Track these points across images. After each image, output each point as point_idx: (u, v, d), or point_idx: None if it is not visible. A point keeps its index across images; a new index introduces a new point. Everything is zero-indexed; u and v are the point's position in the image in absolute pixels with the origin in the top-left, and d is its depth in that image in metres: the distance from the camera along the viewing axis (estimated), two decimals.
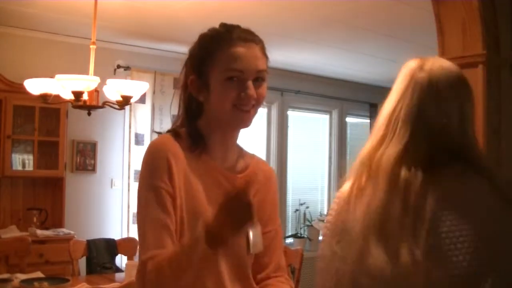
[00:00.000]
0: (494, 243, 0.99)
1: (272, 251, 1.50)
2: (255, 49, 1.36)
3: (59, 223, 4.78)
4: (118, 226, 5.36)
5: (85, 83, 3.46)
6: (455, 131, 1.12)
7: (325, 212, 7.01)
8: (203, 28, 1.43)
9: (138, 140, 5.36)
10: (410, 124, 1.14)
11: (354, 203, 1.14)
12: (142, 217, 1.32)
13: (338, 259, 1.13)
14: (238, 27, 1.39)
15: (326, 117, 7.27)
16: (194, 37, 1.44)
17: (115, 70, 5.26)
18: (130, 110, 5.24)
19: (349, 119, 7.47)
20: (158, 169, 1.32)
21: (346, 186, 1.21)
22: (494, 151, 2.42)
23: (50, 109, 4.60)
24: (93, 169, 5.24)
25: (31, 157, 4.73)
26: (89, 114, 3.78)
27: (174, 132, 1.41)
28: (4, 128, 4.53)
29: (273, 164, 6.37)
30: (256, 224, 1.43)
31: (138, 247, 1.37)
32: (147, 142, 5.33)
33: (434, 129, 1.12)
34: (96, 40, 3.84)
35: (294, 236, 6.59)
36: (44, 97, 3.64)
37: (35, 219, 4.70)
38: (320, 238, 6.87)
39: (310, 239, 6.63)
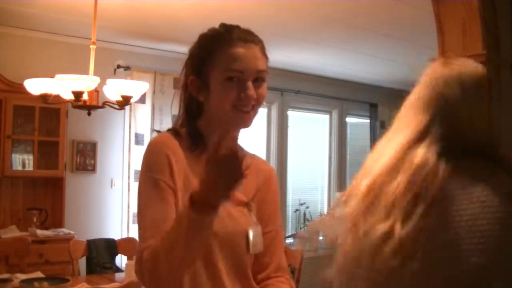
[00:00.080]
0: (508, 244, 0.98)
1: (273, 251, 1.50)
2: (255, 50, 1.36)
3: (59, 223, 4.78)
4: (118, 226, 5.36)
5: (85, 83, 3.46)
6: (479, 127, 1.11)
7: (325, 212, 7.01)
8: (203, 28, 1.43)
9: (138, 140, 5.36)
10: (432, 109, 1.12)
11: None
12: (142, 209, 1.32)
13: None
14: (238, 27, 1.39)
15: (326, 117, 7.27)
16: (194, 37, 1.44)
17: (115, 70, 5.26)
18: (130, 110, 5.24)
19: (349, 119, 7.47)
20: (158, 165, 1.33)
21: None
22: None
23: (50, 109, 4.60)
24: (93, 169, 5.24)
25: (31, 157, 4.73)
26: (89, 114, 3.78)
27: (174, 131, 1.41)
28: (4, 128, 4.53)
29: (273, 164, 6.37)
30: (256, 224, 1.43)
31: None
32: (147, 142, 5.33)
33: (457, 121, 1.10)
34: (96, 40, 3.84)
35: (294, 236, 6.59)
36: (44, 97, 3.64)
37: (35, 219, 4.70)
38: (320, 238, 6.89)
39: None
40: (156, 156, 1.34)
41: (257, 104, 1.37)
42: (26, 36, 4.87)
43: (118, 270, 4.11)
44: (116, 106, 3.76)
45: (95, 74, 3.67)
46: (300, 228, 6.66)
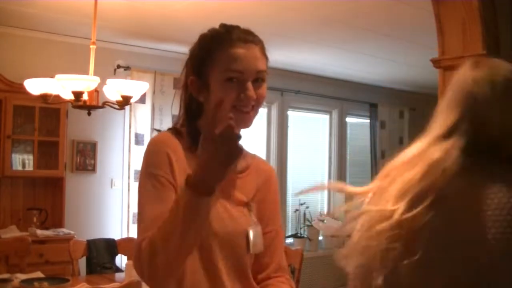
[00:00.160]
0: None
1: (273, 251, 1.50)
2: (254, 50, 1.36)
3: (59, 223, 4.78)
4: (118, 226, 5.36)
5: (85, 83, 3.47)
6: (509, 127, 1.10)
7: (325, 212, 7.01)
8: (203, 28, 1.43)
9: (138, 140, 5.36)
10: (461, 107, 1.12)
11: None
12: (142, 204, 1.32)
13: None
14: (238, 27, 1.39)
15: (326, 117, 7.27)
16: (194, 37, 1.44)
17: (115, 70, 5.26)
18: (130, 110, 5.24)
19: (349, 119, 7.47)
20: (159, 162, 1.33)
21: None
22: None
23: (50, 109, 4.60)
24: (93, 169, 5.24)
25: (31, 157, 4.73)
26: (89, 114, 3.78)
27: (175, 130, 1.41)
28: (4, 128, 4.53)
29: (273, 164, 6.37)
30: (256, 224, 1.43)
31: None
32: (147, 142, 5.31)
33: (487, 120, 1.10)
34: (96, 40, 3.84)
35: (294, 236, 6.59)
36: (44, 97, 3.64)
37: (35, 219, 4.70)
38: (320, 238, 6.88)
39: (310, 239, 6.63)
40: (157, 154, 1.35)
41: (257, 104, 1.37)
42: (26, 36, 4.87)
43: (118, 270, 4.11)
44: (116, 106, 3.76)
45: (95, 74, 3.67)
46: (300, 228, 6.67)
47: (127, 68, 5.32)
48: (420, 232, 1.01)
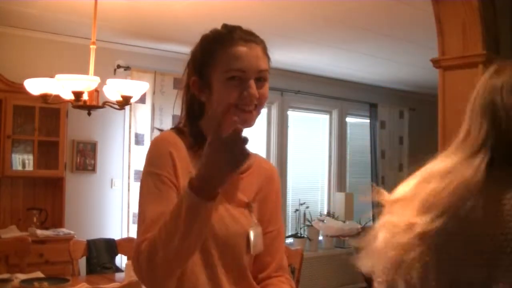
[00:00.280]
0: None
1: (274, 250, 1.50)
2: (256, 49, 1.36)
3: (59, 223, 4.78)
4: (118, 226, 5.36)
5: (85, 83, 3.47)
6: None
7: (325, 212, 7.01)
8: (203, 28, 1.43)
9: (138, 140, 5.36)
10: (484, 118, 1.12)
11: None
12: (143, 204, 1.31)
13: None
14: (239, 28, 1.39)
15: (326, 117, 7.27)
16: (194, 37, 1.44)
17: (115, 70, 5.26)
18: (130, 110, 5.24)
19: (349, 119, 7.47)
20: (162, 161, 1.32)
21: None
22: None
23: (50, 109, 4.60)
24: (93, 169, 5.24)
25: (31, 157, 4.73)
26: (89, 114, 3.78)
27: (177, 129, 1.41)
28: (4, 128, 4.53)
29: (273, 164, 6.36)
30: (257, 225, 1.43)
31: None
32: (147, 142, 5.34)
33: (508, 129, 1.10)
34: (96, 40, 3.84)
35: (294, 236, 6.59)
36: (44, 97, 3.64)
37: (35, 219, 4.70)
38: (320, 238, 6.88)
39: (310, 239, 6.63)
40: (160, 153, 1.33)
41: (260, 104, 1.37)
42: (26, 36, 4.87)
43: (118, 270, 4.11)
44: (116, 106, 3.76)
45: (95, 74, 3.67)
46: (300, 228, 6.67)
47: (127, 68, 5.32)
48: (438, 243, 1.01)
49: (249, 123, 1.36)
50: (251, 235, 1.40)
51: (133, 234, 5.00)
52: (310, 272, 6.34)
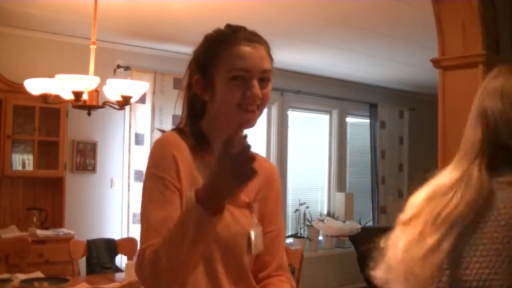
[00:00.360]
0: None
1: (274, 250, 1.50)
2: (260, 49, 1.36)
3: (59, 223, 4.78)
4: (118, 226, 5.36)
5: (85, 83, 3.47)
6: None
7: (325, 212, 7.01)
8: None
9: (138, 140, 5.36)
10: (479, 124, 1.13)
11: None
12: (146, 209, 1.30)
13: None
14: (243, 28, 1.39)
15: (326, 117, 7.27)
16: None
17: (115, 70, 5.26)
18: (130, 110, 5.24)
19: (349, 119, 7.47)
20: (165, 164, 1.31)
21: None
22: None
23: (50, 109, 4.60)
24: (93, 169, 5.24)
25: (31, 157, 4.73)
26: (89, 114, 3.78)
27: (179, 130, 1.41)
28: (4, 128, 4.53)
29: None
30: (257, 225, 1.43)
31: (139, 243, 1.34)
32: (147, 142, 5.34)
33: (500, 134, 1.11)
34: (96, 40, 3.84)
35: (294, 236, 6.59)
36: (44, 97, 3.65)
37: (35, 219, 4.70)
38: (320, 238, 6.89)
39: (310, 239, 6.63)
40: (163, 155, 1.33)
41: (262, 104, 1.37)
42: (26, 36, 4.87)
43: (118, 270, 4.11)
44: (116, 106, 3.76)
45: (95, 74, 3.67)
46: (300, 228, 6.67)
47: (127, 68, 5.32)
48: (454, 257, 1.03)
49: (251, 123, 1.36)
50: (252, 235, 1.40)
51: (133, 234, 5.01)
52: (310, 272, 6.34)
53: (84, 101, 3.60)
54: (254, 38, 1.37)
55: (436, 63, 3.05)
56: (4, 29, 4.74)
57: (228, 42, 1.35)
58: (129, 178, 5.31)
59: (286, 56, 5.68)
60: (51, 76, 3.56)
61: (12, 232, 4.47)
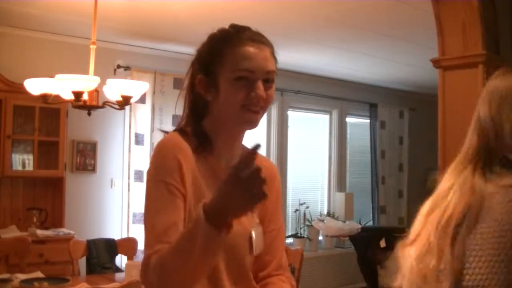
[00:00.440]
0: None
1: (275, 249, 1.49)
2: (265, 50, 1.36)
3: (59, 223, 4.78)
4: (118, 226, 5.36)
5: (85, 83, 3.47)
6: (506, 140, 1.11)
7: (325, 212, 7.01)
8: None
9: (138, 140, 5.36)
10: (474, 128, 1.15)
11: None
12: (150, 213, 1.29)
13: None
14: (248, 28, 1.38)
15: (326, 117, 7.27)
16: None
17: (115, 70, 5.26)
18: (130, 110, 5.24)
19: (349, 119, 7.47)
20: (168, 168, 1.30)
21: None
22: None
23: (50, 109, 4.60)
24: (93, 169, 5.24)
25: (31, 157, 4.73)
26: (89, 114, 3.78)
27: (181, 130, 1.40)
28: (4, 128, 4.53)
29: None
30: (258, 225, 1.43)
31: (141, 245, 1.34)
32: (147, 142, 5.34)
33: (490, 137, 1.12)
34: (96, 40, 3.84)
35: (294, 236, 6.59)
36: (44, 97, 3.65)
37: (35, 219, 4.70)
38: (320, 238, 6.89)
39: (310, 239, 6.63)
40: (167, 159, 1.31)
41: (265, 105, 1.37)
42: (26, 36, 4.87)
43: (118, 270, 4.11)
44: (116, 106, 3.76)
45: (95, 74, 3.67)
46: (300, 228, 6.67)
47: (127, 68, 5.32)
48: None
49: (254, 123, 1.37)
50: (253, 234, 1.40)
51: (133, 234, 5.00)
52: (310, 272, 6.35)
53: (84, 101, 3.59)
54: (259, 38, 1.36)
55: (436, 63, 3.05)
56: (4, 29, 4.74)
57: (232, 42, 1.34)
58: (129, 178, 5.31)
59: (286, 56, 5.68)
60: (51, 76, 3.56)
61: (12, 232, 4.47)
